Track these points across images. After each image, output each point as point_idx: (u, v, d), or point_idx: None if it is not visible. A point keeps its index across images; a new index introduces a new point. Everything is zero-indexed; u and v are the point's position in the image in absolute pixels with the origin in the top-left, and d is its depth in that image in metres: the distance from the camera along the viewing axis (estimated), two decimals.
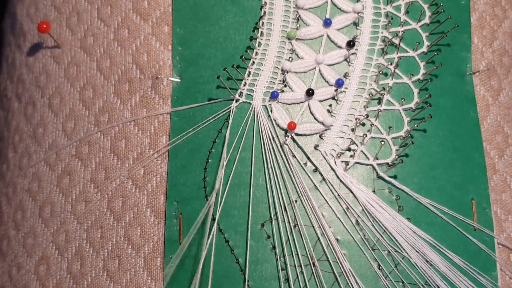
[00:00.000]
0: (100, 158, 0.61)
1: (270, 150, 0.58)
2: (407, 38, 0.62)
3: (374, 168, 0.58)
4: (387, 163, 0.58)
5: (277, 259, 0.56)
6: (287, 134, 0.59)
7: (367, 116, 0.59)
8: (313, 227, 0.57)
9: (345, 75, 0.60)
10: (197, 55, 0.61)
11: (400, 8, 0.63)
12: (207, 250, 0.56)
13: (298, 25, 0.62)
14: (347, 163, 0.58)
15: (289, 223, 0.57)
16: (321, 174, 0.58)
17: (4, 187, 0.65)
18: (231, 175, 0.58)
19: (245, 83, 0.60)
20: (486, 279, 0.57)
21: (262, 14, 0.62)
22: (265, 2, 0.62)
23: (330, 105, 0.59)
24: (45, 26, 0.62)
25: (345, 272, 0.55)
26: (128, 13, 0.63)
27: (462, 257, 0.57)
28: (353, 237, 0.57)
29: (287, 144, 0.58)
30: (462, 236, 0.57)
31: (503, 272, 0.58)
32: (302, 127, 0.59)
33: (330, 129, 0.59)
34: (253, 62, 0.61)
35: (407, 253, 0.56)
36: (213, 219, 0.57)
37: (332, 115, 0.59)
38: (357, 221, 0.57)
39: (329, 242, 0.56)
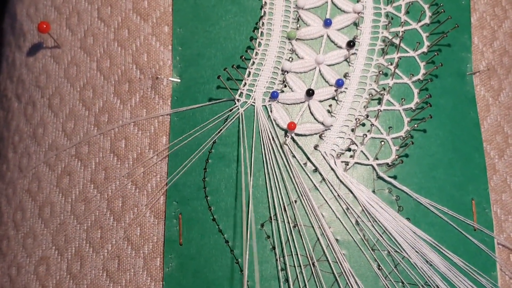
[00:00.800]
0: (100, 158, 0.61)
1: (270, 150, 0.58)
2: (407, 38, 0.62)
3: (374, 168, 0.58)
4: (387, 163, 0.58)
5: (277, 259, 0.56)
6: (287, 134, 0.59)
7: (367, 116, 0.59)
8: (313, 227, 0.57)
9: (345, 75, 0.60)
10: (197, 55, 0.61)
11: (400, 8, 0.63)
12: (207, 251, 0.56)
13: (298, 25, 0.62)
14: (347, 163, 0.58)
15: (289, 223, 0.57)
16: (321, 174, 0.58)
17: (4, 187, 0.65)
18: (231, 175, 0.58)
19: (245, 83, 0.60)
20: (486, 279, 0.57)
21: (262, 14, 0.62)
22: (265, 2, 0.62)
23: (330, 105, 0.59)
24: (45, 26, 0.62)
25: (345, 273, 0.55)
26: (128, 13, 0.63)
27: (462, 257, 0.57)
28: (353, 237, 0.57)
29: (287, 144, 0.58)
30: (462, 236, 0.57)
31: (503, 272, 0.58)
32: (302, 127, 0.59)
33: (330, 129, 0.59)
34: (253, 62, 0.61)
35: (407, 254, 0.56)
36: (213, 219, 0.57)
37: (332, 115, 0.59)
38: (357, 221, 0.57)
39: (329, 242, 0.56)
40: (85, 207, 0.60)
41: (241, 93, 0.60)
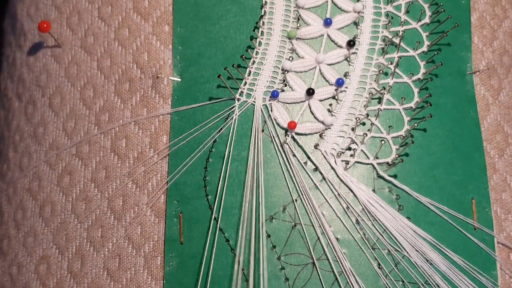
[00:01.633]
0: (100, 157, 0.61)
1: (270, 149, 0.58)
2: (407, 37, 0.62)
3: (374, 168, 0.58)
4: (387, 163, 0.58)
5: (277, 259, 0.56)
6: (288, 133, 0.59)
7: (367, 115, 0.59)
8: (313, 226, 0.57)
9: (346, 75, 0.60)
10: (197, 54, 0.61)
11: (400, 7, 0.63)
12: (207, 250, 0.56)
13: (298, 25, 0.62)
14: (347, 162, 0.58)
15: (289, 222, 0.57)
16: (321, 173, 0.58)
17: (4, 187, 0.66)
18: (231, 175, 0.58)
19: (246, 82, 0.60)
20: (486, 278, 0.57)
21: (262, 13, 0.62)
22: (266, 2, 0.62)
23: (330, 105, 0.59)
24: (45, 25, 0.62)
25: (345, 271, 0.56)
26: (129, 13, 0.63)
27: (462, 256, 0.57)
28: (353, 236, 0.57)
29: (287, 144, 0.58)
30: (462, 235, 0.58)
31: (503, 271, 0.58)
32: (302, 127, 0.59)
33: (330, 128, 0.59)
34: (254, 61, 0.61)
35: (407, 252, 0.56)
36: (214, 218, 0.57)
37: (332, 115, 0.59)
38: (357, 220, 0.57)
39: (329, 241, 0.56)
40: (85, 206, 0.60)
41: (242, 92, 0.60)
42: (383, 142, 0.58)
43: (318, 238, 0.56)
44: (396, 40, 0.61)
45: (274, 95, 0.59)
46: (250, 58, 0.60)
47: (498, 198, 0.60)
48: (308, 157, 0.58)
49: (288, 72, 0.60)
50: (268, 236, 0.56)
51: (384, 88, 0.60)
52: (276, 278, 0.56)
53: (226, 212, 0.57)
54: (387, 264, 0.56)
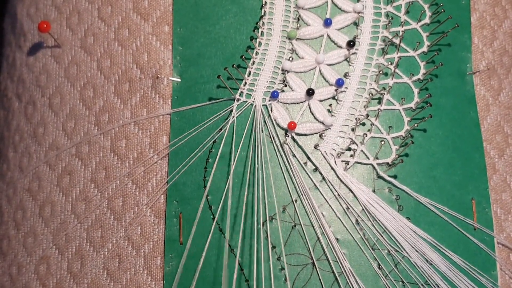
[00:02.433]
0: (100, 157, 0.61)
1: (270, 149, 0.58)
2: (407, 38, 0.62)
3: (374, 168, 0.58)
4: (387, 163, 0.58)
5: (277, 259, 0.56)
6: (287, 133, 0.59)
7: (367, 115, 0.59)
8: (313, 226, 0.57)
9: (345, 75, 0.60)
10: (197, 54, 0.61)
11: (401, 8, 0.63)
12: (207, 250, 0.56)
13: (298, 25, 0.62)
14: (347, 162, 0.58)
15: (289, 222, 0.57)
16: (321, 174, 0.58)
17: (4, 187, 0.66)
18: (231, 175, 0.58)
19: (246, 82, 0.60)
20: (486, 279, 0.57)
21: (262, 13, 0.62)
22: (266, 2, 0.62)
23: (330, 105, 0.59)
24: (45, 25, 0.62)
25: (345, 272, 0.56)
26: (129, 13, 0.63)
27: (462, 256, 0.57)
28: (353, 237, 0.57)
29: (287, 144, 0.58)
30: (462, 236, 0.58)
31: (503, 272, 0.58)
32: (302, 127, 0.59)
33: (330, 128, 0.59)
34: (254, 61, 0.61)
35: (407, 253, 0.56)
36: (214, 219, 0.57)
37: (332, 115, 0.59)
38: (357, 220, 0.57)
39: (329, 241, 0.56)
40: (85, 206, 0.60)
41: (241, 92, 0.60)
42: (383, 142, 0.58)
43: (318, 238, 0.56)
44: (396, 41, 0.61)
45: (274, 96, 0.59)
46: (250, 59, 0.60)
47: (498, 199, 0.60)
48: (308, 158, 0.58)
49: (288, 72, 0.60)
50: (268, 236, 0.56)
51: (384, 89, 0.60)
52: (276, 279, 0.56)
53: (226, 212, 0.57)
54: (387, 264, 0.56)
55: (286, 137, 0.59)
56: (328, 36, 0.62)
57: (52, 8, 0.66)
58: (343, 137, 0.59)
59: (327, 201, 0.57)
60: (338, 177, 0.58)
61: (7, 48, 0.71)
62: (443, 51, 0.62)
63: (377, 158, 0.58)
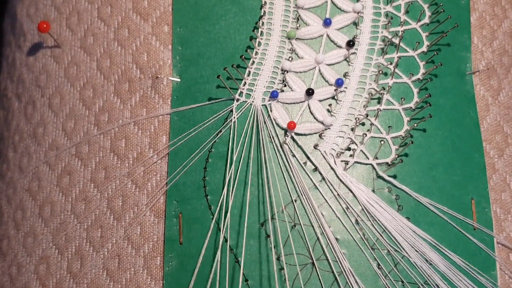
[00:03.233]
0: (100, 157, 0.61)
1: (269, 149, 0.58)
2: (407, 37, 0.62)
3: (373, 168, 0.58)
4: (387, 163, 0.58)
5: (277, 259, 0.56)
6: (287, 133, 0.59)
7: (367, 115, 0.59)
8: (313, 226, 0.57)
9: (345, 75, 0.60)
10: (197, 54, 0.61)
11: (400, 7, 0.63)
12: (206, 250, 0.56)
13: (298, 25, 0.62)
14: (346, 162, 0.58)
15: (289, 222, 0.57)
16: (321, 174, 0.58)
17: (4, 187, 0.66)
18: (231, 175, 0.58)
19: (245, 82, 0.60)
20: (486, 279, 0.57)
21: (262, 13, 0.62)
22: (265, 2, 0.62)
23: (330, 105, 0.59)
24: (45, 26, 0.62)
25: (345, 272, 0.56)
26: (128, 13, 0.63)
27: (462, 256, 0.57)
28: (352, 237, 0.57)
29: (287, 144, 0.58)
30: (462, 236, 0.58)
31: (503, 272, 0.58)
32: (302, 127, 0.59)
33: (329, 128, 0.59)
34: (253, 61, 0.61)
35: (407, 253, 0.56)
36: (213, 218, 0.57)
37: (331, 115, 0.59)
38: (356, 220, 0.57)
39: (328, 241, 0.56)
40: (85, 206, 0.60)
41: (241, 92, 0.60)
42: (382, 142, 0.58)
43: (318, 238, 0.56)
44: (396, 40, 0.61)
45: (273, 96, 0.59)
46: (250, 58, 0.60)
47: (497, 198, 0.60)
48: (308, 157, 0.58)
49: (287, 72, 0.60)
50: (268, 236, 0.56)
51: (384, 88, 0.60)
52: (275, 279, 0.56)
53: (225, 212, 0.57)
54: (386, 264, 0.56)
55: (286, 137, 0.59)
56: (328, 36, 0.62)
57: (52, 8, 0.66)
58: (343, 137, 0.59)
59: (326, 201, 0.57)
60: (337, 177, 0.58)
61: (7, 48, 0.71)
62: (442, 51, 0.62)
63: (376, 158, 0.58)
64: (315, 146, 0.59)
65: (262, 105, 0.60)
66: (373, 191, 0.58)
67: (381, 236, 0.56)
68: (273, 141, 0.59)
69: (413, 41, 0.61)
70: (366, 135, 0.59)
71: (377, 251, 0.56)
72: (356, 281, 0.55)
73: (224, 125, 0.59)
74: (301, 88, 0.60)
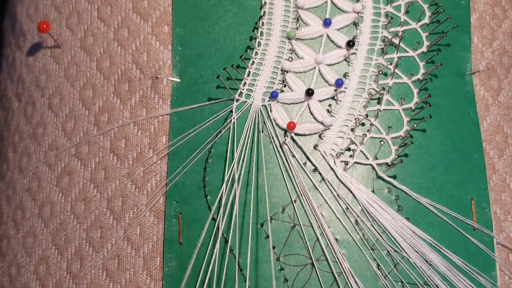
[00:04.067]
0: (99, 158, 0.61)
1: (269, 150, 0.58)
2: (407, 38, 0.62)
3: (373, 168, 0.58)
4: (387, 163, 0.58)
5: (276, 259, 0.56)
6: (287, 134, 0.59)
7: (367, 116, 0.59)
8: (313, 227, 0.57)
9: (345, 75, 0.60)
10: (197, 55, 0.61)
11: (400, 8, 0.63)
12: (205, 250, 0.56)
13: (298, 25, 0.62)
14: (346, 163, 0.58)
15: (289, 223, 0.57)
16: (321, 174, 0.58)
17: (4, 187, 0.66)
18: (231, 175, 0.58)
19: (245, 83, 0.60)
20: (485, 279, 0.57)
21: (262, 14, 0.62)
22: (265, 2, 0.62)
23: (329, 105, 0.59)
24: (45, 26, 0.62)
25: (344, 272, 0.55)
26: (128, 13, 0.63)
27: (462, 257, 0.57)
28: (352, 237, 0.57)
29: (286, 144, 0.58)
30: (462, 236, 0.57)
31: (502, 272, 0.58)
32: (302, 127, 0.59)
33: (329, 129, 0.59)
34: (253, 62, 0.61)
35: (407, 253, 0.56)
36: (213, 219, 0.57)
37: (331, 115, 0.59)
38: (356, 221, 0.57)
39: (328, 242, 0.56)
40: (85, 206, 0.60)
41: (241, 92, 0.60)
42: (382, 142, 0.58)
43: (317, 238, 0.56)
44: (396, 41, 0.61)
45: (273, 96, 0.59)
46: (250, 59, 0.60)
47: (497, 199, 0.60)
48: (308, 158, 0.58)
49: (287, 72, 0.60)
50: (267, 236, 0.56)
51: (384, 89, 0.60)
52: (275, 279, 0.56)
53: (224, 212, 0.57)
54: (386, 264, 0.56)
55: (286, 137, 0.59)
56: (328, 36, 0.61)
57: (52, 8, 0.66)
58: (343, 137, 0.59)
59: (326, 201, 0.57)
60: (337, 177, 0.58)
61: (7, 48, 0.71)
62: (442, 51, 0.62)
63: (376, 158, 0.58)
64: (315, 147, 0.59)
65: (262, 105, 0.60)
66: (373, 191, 0.58)
67: (381, 236, 0.56)
68: (273, 141, 0.59)
69: (413, 41, 0.61)
70: (366, 135, 0.59)
71: (377, 252, 0.56)
72: (355, 282, 0.55)
73: (224, 125, 0.59)
74: (301, 88, 0.60)
